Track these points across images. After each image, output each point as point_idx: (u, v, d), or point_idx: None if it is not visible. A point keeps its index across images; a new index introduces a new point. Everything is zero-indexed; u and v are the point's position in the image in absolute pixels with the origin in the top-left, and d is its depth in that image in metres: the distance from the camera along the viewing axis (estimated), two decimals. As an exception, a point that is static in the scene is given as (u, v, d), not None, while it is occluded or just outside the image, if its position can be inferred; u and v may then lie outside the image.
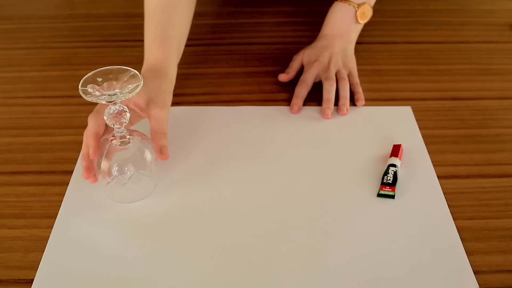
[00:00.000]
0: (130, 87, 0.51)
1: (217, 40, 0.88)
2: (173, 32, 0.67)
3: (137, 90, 0.51)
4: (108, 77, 0.52)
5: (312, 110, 0.72)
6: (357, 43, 0.80)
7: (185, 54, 0.84)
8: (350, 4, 0.77)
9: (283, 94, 0.75)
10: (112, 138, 0.54)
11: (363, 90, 0.74)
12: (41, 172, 0.63)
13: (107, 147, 0.55)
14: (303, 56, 0.77)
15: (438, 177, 0.62)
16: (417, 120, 0.70)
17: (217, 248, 0.54)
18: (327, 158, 0.64)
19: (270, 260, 0.53)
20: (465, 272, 0.51)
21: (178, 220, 0.57)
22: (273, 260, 0.53)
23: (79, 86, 0.50)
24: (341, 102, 0.71)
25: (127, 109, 0.53)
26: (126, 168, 0.55)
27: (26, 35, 0.91)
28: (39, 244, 0.54)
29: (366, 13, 0.77)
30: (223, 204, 0.58)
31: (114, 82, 0.51)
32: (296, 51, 0.79)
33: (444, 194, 0.60)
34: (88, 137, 0.55)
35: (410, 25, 0.92)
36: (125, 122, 0.53)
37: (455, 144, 0.67)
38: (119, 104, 0.52)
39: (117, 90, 0.51)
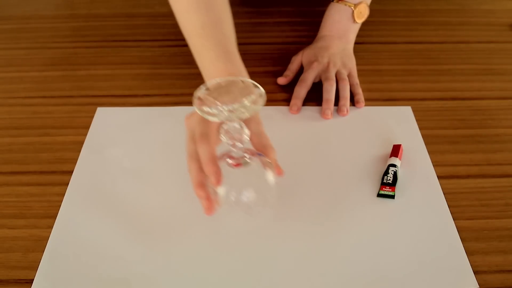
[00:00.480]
0: (250, 98, 0.44)
1: (217, 40, 0.88)
2: (232, 47, 0.63)
3: (262, 102, 0.43)
4: (216, 91, 0.45)
5: (312, 110, 0.72)
6: (357, 43, 0.80)
7: (185, 54, 0.84)
8: (346, 5, 0.77)
9: (283, 94, 0.75)
10: (230, 160, 0.48)
11: (363, 90, 0.74)
12: (41, 172, 0.63)
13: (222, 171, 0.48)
14: (302, 57, 0.77)
15: (438, 177, 0.62)
16: (417, 120, 0.70)
17: (217, 247, 0.54)
18: (327, 158, 0.64)
19: (270, 260, 0.53)
20: (465, 272, 0.51)
21: (179, 220, 0.57)
22: (273, 260, 0.53)
23: (195, 106, 0.44)
24: (341, 102, 0.71)
25: (244, 124, 0.46)
26: (248, 194, 0.49)
27: (26, 35, 0.91)
28: (39, 244, 0.54)
29: (363, 13, 0.77)
30: (223, 203, 0.58)
31: (224, 96, 0.45)
32: (296, 51, 0.79)
33: (444, 194, 0.60)
34: (207, 164, 0.48)
35: (410, 25, 0.92)
36: (247, 139, 0.47)
37: (455, 144, 0.67)
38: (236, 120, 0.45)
39: (237, 104, 0.43)
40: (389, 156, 0.63)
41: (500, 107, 0.73)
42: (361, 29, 0.80)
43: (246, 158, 0.48)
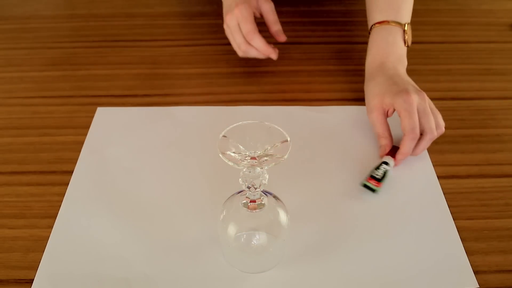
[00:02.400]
0: (275, 145, 0.43)
1: (217, 40, 0.88)
2: None
3: (288, 150, 0.43)
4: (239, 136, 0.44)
5: (312, 110, 0.72)
6: (358, 43, 0.80)
7: (185, 54, 0.85)
8: (393, 25, 0.68)
9: (283, 94, 0.75)
10: (247, 201, 0.48)
11: (364, 91, 0.74)
12: (41, 172, 0.63)
13: (236, 210, 0.48)
14: (384, 108, 0.64)
15: (438, 177, 0.62)
16: (417, 120, 0.70)
17: (218, 247, 0.54)
18: (326, 158, 0.64)
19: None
20: (465, 272, 0.51)
21: (179, 220, 0.57)
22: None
23: (219, 153, 0.43)
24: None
25: (265, 170, 0.45)
26: (260, 237, 0.49)
27: (26, 35, 0.91)
28: (39, 244, 0.54)
29: (409, 34, 0.70)
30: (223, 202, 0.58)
31: (248, 139, 0.44)
32: (296, 51, 0.79)
33: (444, 194, 0.60)
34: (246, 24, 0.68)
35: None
36: (266, 183, 0.45)
37: (455, 144, 0.67)
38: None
39: (261, 152, 0.43)
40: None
41: (500, 107, 0.73)
42: (361, 29, 0.80)
43: (261, 201, 0.48)
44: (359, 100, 0.73)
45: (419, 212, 0.57)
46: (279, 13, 0.99)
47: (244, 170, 0.45)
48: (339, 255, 0.53)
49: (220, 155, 0.42)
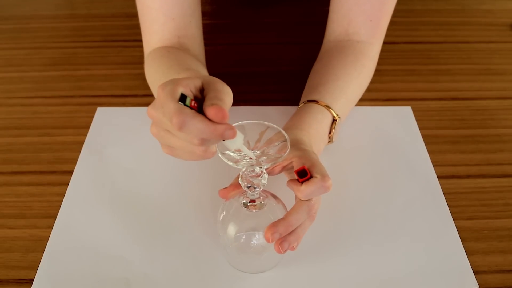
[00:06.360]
0: (274, 146, 0.43)
1: (217, 40, 0.88)
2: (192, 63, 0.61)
3: (287, 150, 0.42)
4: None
5: (312, 110, 0.72)
6: (357, 43, 0.80)
7: (185, 54, 0.85)
8: (330, 112, 0.59)
9: (283, 94, 0.75)
10: (247, 201, 0.48)
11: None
12: (41, 172, 0.63)
13: (236, 210, 0.48)
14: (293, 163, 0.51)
15: (438, 177, 0.62)
16: (417, 120, 0.70)
17: (218, 247, 0.54)
18: (326, 159, 0.64)
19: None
20: (465, 272, 0.51)
21: (179, 220, 0.57)
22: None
23: (219, 152, 0.42)
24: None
25: (264, 169, 0.45)
26: (260, 236, 0.48)
27: (26, 35, 0.91)
28: (39, 244, 0.54)
29: (337, 131, 0.61)
30: (223, 202, 0.58)
31: (249, 141, 0.44)
32: (296, 51, 0.79)
33: (444, 194, 0.60)
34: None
35: (410, 25, 0.92)
36: (265, 183, 0.45)
37: (455, 144, 0.67)
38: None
39: (259, 152, 0.43)
40: (387, 156, 0.63)
41: (500, 107, 0.73)
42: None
43: (261, 201, 0.48)
44: (359, 100, 0.73)
45: (419, 212, 0.57)
46: (280, 13, 0.99)
47: (244, 170, 0.45)
48: (339, 255, 0.53)
49: (220, 155, 0.42)
